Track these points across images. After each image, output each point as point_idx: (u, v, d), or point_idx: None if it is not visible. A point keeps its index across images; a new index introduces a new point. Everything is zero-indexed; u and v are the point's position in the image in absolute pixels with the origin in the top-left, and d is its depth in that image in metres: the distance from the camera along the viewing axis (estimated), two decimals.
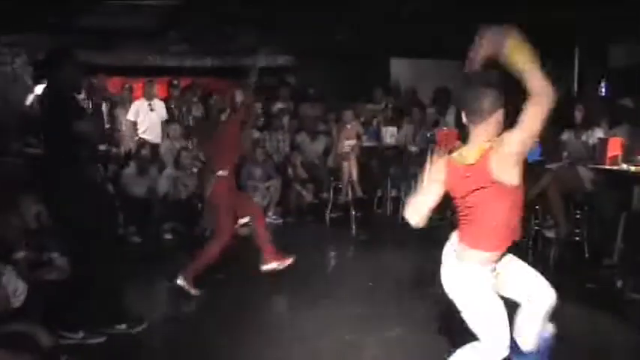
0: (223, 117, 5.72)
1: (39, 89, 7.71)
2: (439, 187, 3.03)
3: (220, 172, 5.44)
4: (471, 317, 3.01)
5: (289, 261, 5.78)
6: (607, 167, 5.57)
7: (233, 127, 5.63)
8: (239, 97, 5.54)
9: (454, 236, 3.06)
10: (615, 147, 5.61)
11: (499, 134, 2.86)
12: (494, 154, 2.76)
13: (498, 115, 2.90)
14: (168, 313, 5.32)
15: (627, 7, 7.80)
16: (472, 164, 2.84)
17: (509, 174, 2.77)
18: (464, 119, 2.97)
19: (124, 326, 4.41)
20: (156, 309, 5.29)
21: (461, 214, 2.99)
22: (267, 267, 5.78)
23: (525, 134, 2.73)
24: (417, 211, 3.09)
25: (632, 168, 5.33)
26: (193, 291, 5.38)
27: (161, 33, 10.39)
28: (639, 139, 5.97)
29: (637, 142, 5.97)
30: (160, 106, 9.20)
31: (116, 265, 4.43)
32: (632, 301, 5.23)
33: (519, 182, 2.84)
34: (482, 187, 2.82)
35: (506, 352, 3.00)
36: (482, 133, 2.88)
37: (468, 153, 2.90)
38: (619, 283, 5.45)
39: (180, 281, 5.39)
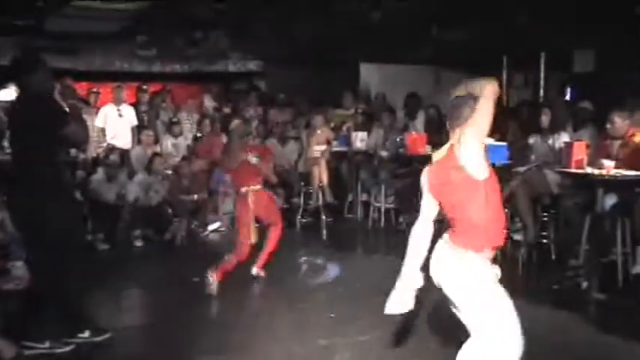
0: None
1: (4, 94, 7.58)
2: (430, 197, 3.13)
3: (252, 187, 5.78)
4: (475, 313, 3.00)
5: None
6: (572, 170, 5.65)
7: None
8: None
9: (446, 235, 3.12)
10: (580, 150, 5.70)
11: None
12: (460, 145, 2.93)
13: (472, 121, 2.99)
14: (138, 320, 5.27)
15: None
16: (444, 157, 3.02)
17: (473, 163, 2.90)
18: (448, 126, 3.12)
19: (87, 334, 4.33)
20: (124, 317, 5.23)
21: (447, 216, 3.10)
22: (256, 273, 6.00)
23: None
24: (424, 231, 3.19)
25: (596, 171, 5.42)
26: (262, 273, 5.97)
27: (129, 37, 10.30)
28: (602, 141, 6.08)
29: (600, 144, 6.09)
30: (128, 111, 9.11)
31: (84, 273, 4.36)
32: (596, 302, 5.33)
33: (488, 178, 2.95)
34: (454, 181, 2.95)
35: (520, 344, 3.00)
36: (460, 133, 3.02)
37: (441, 151, 3.09)
38: (584, 284, 5.54)
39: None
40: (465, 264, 2.99)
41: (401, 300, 3.22)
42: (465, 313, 3.04)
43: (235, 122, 6.06)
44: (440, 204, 3.11)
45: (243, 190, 5.74)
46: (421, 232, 3.19)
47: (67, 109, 4.32)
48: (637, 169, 5.42)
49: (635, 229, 5.64)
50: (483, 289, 2.99)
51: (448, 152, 3.01)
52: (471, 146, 2.91)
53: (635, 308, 5.16)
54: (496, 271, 3.05)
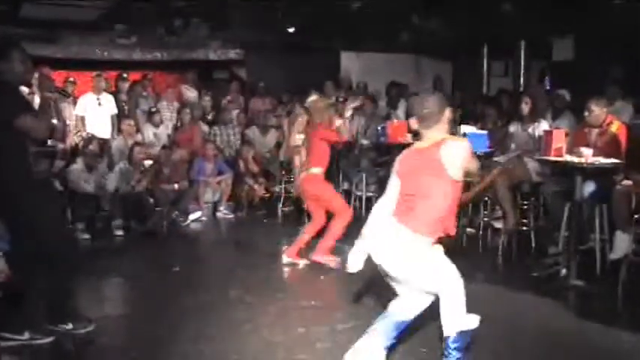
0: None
1: None
2: (396, 180, 3.33)
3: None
4: (424, 278, 3.28)
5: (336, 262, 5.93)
6: (552, 159, 5.69)
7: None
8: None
9: (395, 218, 3.27)
10: (559, 139, 5.74)
11: (452, 133, 3.24)
12: (446, 146, 3.09)
13: (447, 116, 3.23)
14: (117, 310, 5.24)
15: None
16: (424, 148, 3.14)
17: (454, 167, 3.07)
18: (415, 126, 3.27)
19: (70, 326, 4.31)
20: (104, 306, 5.21)
21: (404, 199, 3.25)
22: (317, 258, 6.05)
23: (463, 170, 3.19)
24: (386, 207, 3.40)
25: (575, 159, 5.47)
26: (333, 263, 5.90)
27: (108, 25, 10.19)
28: (580, 129, 6.13)
29: (578, 132, 6.15)
30: (108, 100, 9.01)
31: (64, 264, 4.31)
32: (574, 288, 5.40)
33: (459, 181, 3.15)
34: (427, 172, 3.10)
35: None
36: (435, 133, 3.21)
37: (423, 141, 3.26)
38: (563, 271, 5.60)
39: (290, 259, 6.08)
40: (414, 246, 3.20)
41: (354, 259, 3.51)
42: (414, 285, 3.36)
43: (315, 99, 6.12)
44: (402, 187, 3.27)
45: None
46: (384, 207, 3.38)
47: (40, 101, 4.23)
48: (614, 157, 5.49)
49: (613, 216, 5.71)
50: (427, 259, 3.25)
51: (434, 144, 3.11)
52: (456, 148, 3.07)
53: (612, 294, 5.25)
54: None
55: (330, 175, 9.06)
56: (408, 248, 3.22)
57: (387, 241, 3.27)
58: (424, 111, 3.17)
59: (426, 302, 3.52)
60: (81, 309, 4.54)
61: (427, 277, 3.30)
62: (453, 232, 3.30)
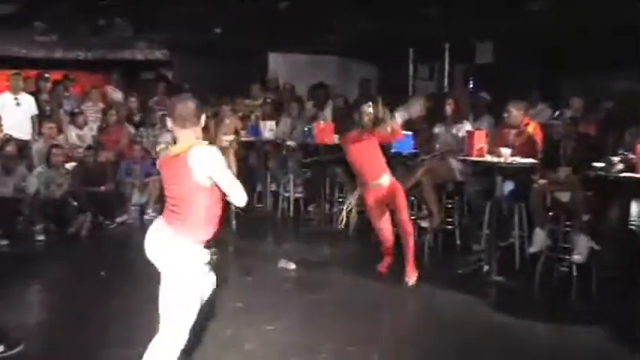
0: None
1: None
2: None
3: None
4: (174, 298, 3.27)
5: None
6: (474, 158, 5.87)
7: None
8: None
9: (162, 219, 3.31)
10: (481, 139, 5.93)
11: (203, 138, 3.29)
12: (194, 152, 3.11)
13: (200, 123, 3.30)
14: (40, 318, 5.09)
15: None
16: (177, 154, 3.17)
17: (201, 175, 3.11)
18: (169, 125, 3.33)
19: (1, 348, 4.12)
20: (27, 314, 5.04)
21: (168, 201, 3.30)
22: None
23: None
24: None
25: (495, 159, 5.66)
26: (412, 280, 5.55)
27: (27, 22, 9.84)
28: (500, 130, 6.36)
29: (498, 133, 6.37)
30: (27, 100, 8.69)
31: None
32: (496, 284, 5.60)
33: (211, 186, 3.17)
34: (179, 178, 3.17)
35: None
36: (188, 135, 3.23)
37: (175, 148, 3.27)
38: (485, 268, 5.80)
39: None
40: (184, 252, 3.23)
41: None
42: (165, 296, 3.30)
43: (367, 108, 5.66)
44: (165, 190, 3.32)
45: None
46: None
47: None
48: (531, 157, 5.72)
49: (531, 213, 5.95)
50: (189, 284, 3.25)
51: (183, 152, 3.14)
52: (204, 154, 3.11)
53: (529, 287, 5.49)
54: (207, 256, 3.35)
55: (259, 177, 9.11)
56: (170, 247, 3.26)
57: (154, 238, 3.32)
58: (183, 112, 3.22)
59: (212, 281, 3.55)
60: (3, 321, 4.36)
61: (170, 294, 3.29)
62: (212, 236, 3.35)
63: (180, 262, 3.23)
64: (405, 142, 6.64)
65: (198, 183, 3.11)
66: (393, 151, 6.58)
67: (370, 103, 5.74)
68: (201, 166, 3.08)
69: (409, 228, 5.64)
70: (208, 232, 3.29)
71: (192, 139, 3.19)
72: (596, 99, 7.63)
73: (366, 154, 5.58)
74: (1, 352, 4.12)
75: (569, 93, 7.89)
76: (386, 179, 5.57)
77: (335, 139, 7.68)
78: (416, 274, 5.57)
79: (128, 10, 10.27)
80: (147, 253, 3.34)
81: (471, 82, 10.89)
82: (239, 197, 3.25)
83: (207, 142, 3.27)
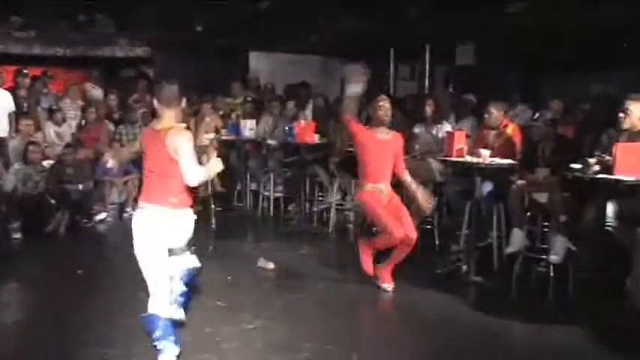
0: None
1: None
2: (138, 144, 4.02)
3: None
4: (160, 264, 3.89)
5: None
6: (453, 159, 5.91)
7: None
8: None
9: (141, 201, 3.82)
10: (460, 140, 5.96)
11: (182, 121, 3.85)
12: (174, 134, 3.66)
13: (181, 105, 3.84)
14: (15, 317, 5.03)
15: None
16: (158, 131, 3.72)
17: (176, 152, 3.62)
18: (155, 104, 3.81)
19: None
20: (2, 314, 4.99)
21: (146, 175, 3.83)
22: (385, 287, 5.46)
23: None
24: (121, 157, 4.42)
25: (474, 160, 5.70)
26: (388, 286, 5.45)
27: (3, 17, 9.71)
28: (480, 131, 6.41)
29: (478, 134, 6.42)
30: (4, 96, 8.58)
31: None
32: (474, 284, 5.64)
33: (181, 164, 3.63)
34: (160, 149, 3.66)
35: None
36: (170, 116, 3.77)
37: (159, 124, 3.81)
38: (464, 268, 5.84)
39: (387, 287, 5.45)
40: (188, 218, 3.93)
41: None
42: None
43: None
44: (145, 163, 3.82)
45: None
46: None
47: None
48: (509, 158, 5.78)
49: (509, 213, 6.00)
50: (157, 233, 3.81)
51: (164, 130, 3.68)
52: (180, 137, 3.65)
53: (506, 287, 5.55)
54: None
55: (239, 176, 9.09)
56: (176, 220, 3.87)
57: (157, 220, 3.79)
58: (170, 93, 3.74)
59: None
60: None
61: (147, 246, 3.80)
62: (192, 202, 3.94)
63: (188, 227, 3.99)
64: None
65: (172, 157, 3.62)
66: None
67: (385, 97, 5.61)
68: (173, 147, 3.60)
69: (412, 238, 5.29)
70: (189, 194, 3.87)
71: (173, 120, 3.75)
72: (574, 101, 7.73)
73: (381, 155, 5.41)
74: None
75: (549, 95, 7.98)
76: (385, 188, 5.44)
77: (316, 138, 7.70)
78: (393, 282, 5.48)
79: (109, 7, 10.19)
80: (146, 234, 3.77)
81: (451, 85, 10.97)
82: (192, 177, 3.62)
83: (184, 126, 3.84)
